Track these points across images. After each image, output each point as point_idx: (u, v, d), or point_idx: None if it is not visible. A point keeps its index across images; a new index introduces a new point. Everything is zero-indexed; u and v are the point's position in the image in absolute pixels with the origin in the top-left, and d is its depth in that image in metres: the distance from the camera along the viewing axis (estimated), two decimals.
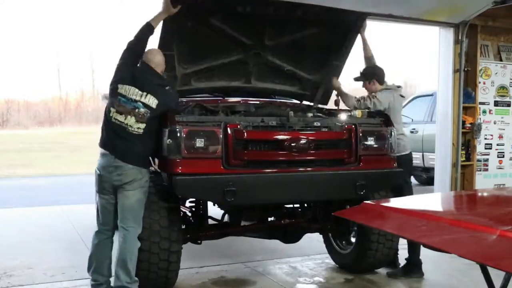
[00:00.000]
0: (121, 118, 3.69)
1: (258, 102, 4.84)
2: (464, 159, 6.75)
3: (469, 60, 6.74)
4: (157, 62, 3.86)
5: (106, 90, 6.68)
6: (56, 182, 11.92)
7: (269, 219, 4.70)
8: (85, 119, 48.76)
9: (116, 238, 3.85)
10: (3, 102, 50.51)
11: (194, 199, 4.40)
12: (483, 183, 6.82)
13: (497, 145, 7.02)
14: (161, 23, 4.05)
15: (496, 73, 6.95)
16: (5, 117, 49.71)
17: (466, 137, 6.80)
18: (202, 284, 4.40)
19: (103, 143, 3.79)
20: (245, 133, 3.82)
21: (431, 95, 9.25)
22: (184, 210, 4.40)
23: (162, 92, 3.79)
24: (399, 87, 4.70)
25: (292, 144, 3.90)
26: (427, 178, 10.15)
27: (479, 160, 6.89)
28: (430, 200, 3.23)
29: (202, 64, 4.58)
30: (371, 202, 2.78)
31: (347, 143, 4.14)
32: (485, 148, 6.94)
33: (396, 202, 2.93)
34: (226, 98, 4.93)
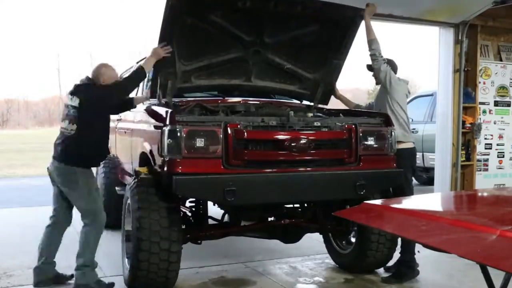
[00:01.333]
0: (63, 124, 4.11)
1: (258, 102, 4.84)
2: (464, 159, 6.75)
3: (469, 60, 6.73)
4: (104, 77, 4.14)
5: None
6: None
7: (269, 219, 4.70)
8: None
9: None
10: (3, 102, 50.55)
11: (194, 199, 4.40)
12: (483, 183, 6.81)
13: (497, 145, 7.02)
14: (161, 18, 4.05)
15: (496, 73, 6.95)
16: (5, 117, 49.76)
17: (466, 137, 6.79)
18: (202, 284, 4.40)
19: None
20: (245, 133, 3.82)
21: (431, 95, 9.26)
22: (184, 210, 4.40)
23: (84, 90, 4.08)
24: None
25: (292, 144, 3.90)
26: (427, 178, 10.16)
27: (479, 160, 6.88)
28: (430, 200, 3.22)
29: (202, 61, 4.57)
30: (371, 202, 2.78)
31: (347, 143, 4.14)
32: (485, 148, 6.94)
33: (396, 202, 2.94)
34: (226, 98, 4.93)
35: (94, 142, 4.10)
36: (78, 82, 4.19)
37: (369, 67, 4.75)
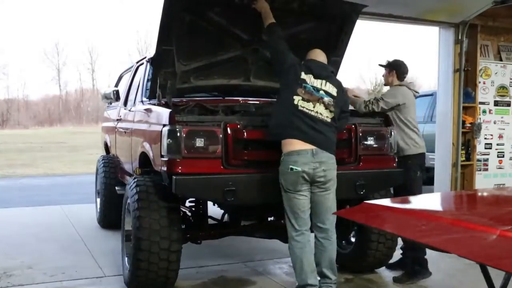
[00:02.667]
0: (308, 106, 3.64)
1: (258, 102, 4.84)
2: (464, 159, 6.75)
3: (469, 60, 6.73)
4: (323, 59, 3.91)
5: (106, 90, 6.69)
6: (56, 182, 11.92)
7: (269, 219, 4.69)
8: (85, 119, 48.86)
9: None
10: (3, 102, 50.53)
11: (194, 199, 4.40)
12: (483, 183, 6.81)
13: (497, 145, 7.01)
14: (160, 16, 4.05)
15: (496, 73, 6.94)
16: (5, 117, 49.73)
17: (466, 137, 6.79)
18: (202, 284, 4.40)
19: (290, 133, 3.61)
20: (245, 133, 3.82)
21: (431, 95, 9.25)
22: (184, 210, 4.40)
23: (336, 80, 3.87)
24: (410, 83, 4.73)
25: None
26: (427, 178, 10.14)
27: (479, 160, 6.88)
28: (430, 200, 3.22)
29: (201, 61, 4.57)
30: (371, 202, 2.78)
31: (347, 143, 4.14)
32: (485, 148, 6.93)
33: (396, 202, 2.93)
34: (225, 98, 4.93)
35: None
36: (319, 65, 3.82)
37: (381, 65, 4.76)
